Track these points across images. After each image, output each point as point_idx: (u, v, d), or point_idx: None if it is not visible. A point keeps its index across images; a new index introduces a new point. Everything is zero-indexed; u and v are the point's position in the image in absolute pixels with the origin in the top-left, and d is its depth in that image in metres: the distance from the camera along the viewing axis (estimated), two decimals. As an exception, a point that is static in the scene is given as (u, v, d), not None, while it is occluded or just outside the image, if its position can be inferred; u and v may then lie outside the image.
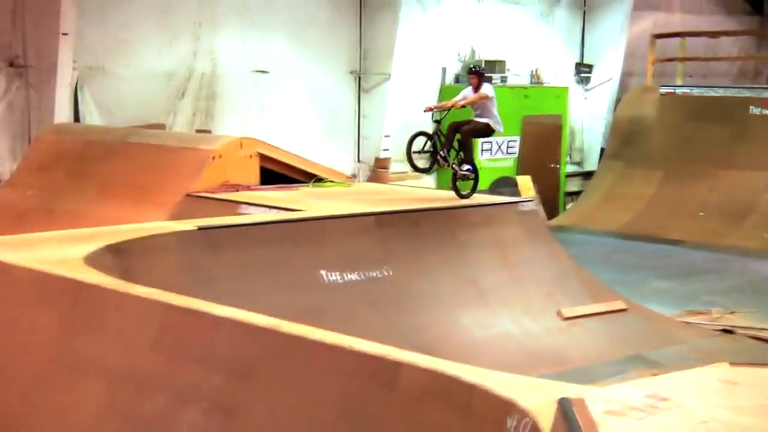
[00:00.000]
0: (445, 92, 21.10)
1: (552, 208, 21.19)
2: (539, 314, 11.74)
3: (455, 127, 11.89)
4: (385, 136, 20.12)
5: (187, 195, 12.72)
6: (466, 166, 12.04)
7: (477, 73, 12.25)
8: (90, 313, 7.91)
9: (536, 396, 4.74)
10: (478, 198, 14.16)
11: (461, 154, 12.00)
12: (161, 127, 17.03)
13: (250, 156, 13.99)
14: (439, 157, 11.82)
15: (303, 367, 6.45)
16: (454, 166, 11.96)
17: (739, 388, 4.97)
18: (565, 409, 4.24)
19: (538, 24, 23.45)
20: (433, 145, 11.80)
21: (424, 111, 12.95)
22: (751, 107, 20.84)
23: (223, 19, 17.98)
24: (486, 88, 12.01)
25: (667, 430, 4.24)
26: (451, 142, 11.86)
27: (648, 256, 17.64)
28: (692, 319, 13.37)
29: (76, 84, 16.17)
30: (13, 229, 11.43)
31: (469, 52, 21.96)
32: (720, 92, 21.95)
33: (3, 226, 12.40)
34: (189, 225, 10.64)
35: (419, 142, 11.88)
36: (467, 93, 12.13)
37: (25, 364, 8.00)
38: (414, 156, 11.80)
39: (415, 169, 12.13)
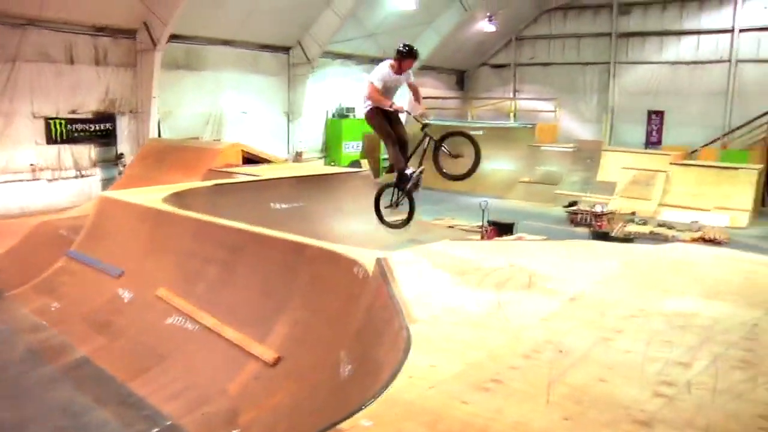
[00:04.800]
0: (330, 123, 24.11)
1: (376, 174, 19.71)
2: (370, 221, 11.38)
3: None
4: (299, 141, 22.84)
5: (209, 170, 13.33)
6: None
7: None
8: (164, 224, 8.73)
9: (366, 257, 5.55)
10: (343, 168, 17.17)
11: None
12: (197, 138, 19.01)
13: (238, 151, 14.94)
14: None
15: (263, 247, 7.21)
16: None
17: (455, 250, 6.11)
18: (379, 261, 4.99)
19: None
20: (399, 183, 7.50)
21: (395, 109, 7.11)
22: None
23: (225, 89, 20.30)
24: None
25: (421, 269, 5.33)
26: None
27: (420, 194, 15.49)
28: (437, 222, 15.45)
29: (159, 120, 18.17)
30: (132, 186, 11.91)
31: (338, 103, 24.20)
32: (448, 123, 23.24)
33: (128, 185, 12.78)
34: (210, 183, 11.47)
35: (387, 196, 7.94)
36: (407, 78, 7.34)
37: (134, 248, 8.77)
38: (384, 212, 7.81)
39: (387, 225, 7.87)
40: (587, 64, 27.39)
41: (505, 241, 9.07)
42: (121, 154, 17.76)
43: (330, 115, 24.34)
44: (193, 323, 7.01)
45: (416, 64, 7.45)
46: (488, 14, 25.20)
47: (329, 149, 24.26)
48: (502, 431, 2.96)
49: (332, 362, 5.22)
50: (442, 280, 5.11)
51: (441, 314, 4.36)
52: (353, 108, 24.43)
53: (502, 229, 13.31)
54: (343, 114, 24.08)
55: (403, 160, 7.47)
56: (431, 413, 3.09)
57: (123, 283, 8.29)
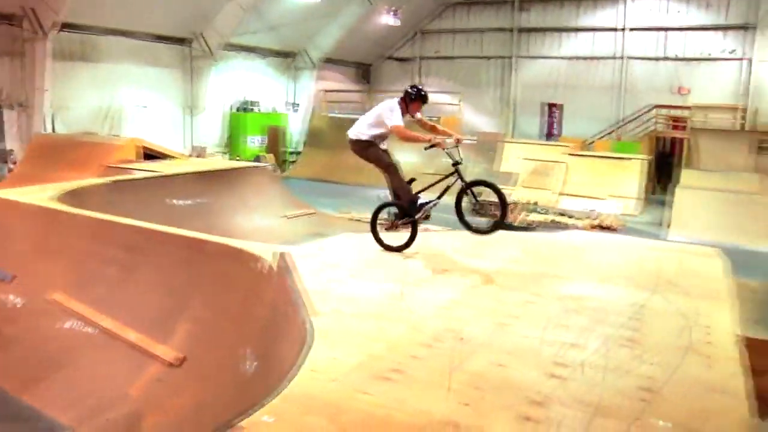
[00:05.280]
0: (232, 117, 23.67)
1: (281, 169, 21.61)
2: (275, 216, 12.60)
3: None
4: (204, 137, 22.35)
5: (107, 166, 12.70)
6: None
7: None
8: (58, 224, 8.32)
9: (269, 252, 5.51)
10: (247, 163, 17.19)
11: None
12: (94, 133, 18.02)
13: (137, 146, 14.46)
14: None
15: (163, 245, 7.07)
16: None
17: (356, 242, 6.57)
18: (281, 256, 4.99)
19: (275, 81, 25.50)
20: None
21: (427, 148, 6.28)
22: None
23: (123, 82, 19.64)
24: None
25: (323, 262, 5.57)
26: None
27: (324, 188, 20.09)
28: (341, 215, 14.89)
29: (52, 114, 17.36)
30: (21, 185, 10.94)
31: (241, 96, 23.93)
32: (352, 116, 21.65)
33: (17, 184, 11.73)
34: (107, 180, 11.00)
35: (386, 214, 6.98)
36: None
37: (26, 250, 8.23)
38: (381, 234, 6.71)
39: (385, 247, 6.55)
40: (490, 58, 27.96)
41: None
42: (11, 150, 16.87)
43: (233, 109, 24.01)
44: (91, 327, 6.70)
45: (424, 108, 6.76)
46: (392, 8, 25.23)
47: (232, 144, 23.84)
48: (403, 420, 3.01)
49: (237, 359, 5.14)
50: (343, 272, 5.13)
51: (343, 307, 4.41)
52: (257, 102, 24.28)
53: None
54: (246, 108, 23.74)
55: (410, 189, 6.67)
56: (333, 406, 3.11)
57: (14, 288, 7.83)
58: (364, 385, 3.29)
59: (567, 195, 18.74)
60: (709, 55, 23.73)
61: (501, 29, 27.45)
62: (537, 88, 26.62)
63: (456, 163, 6.29)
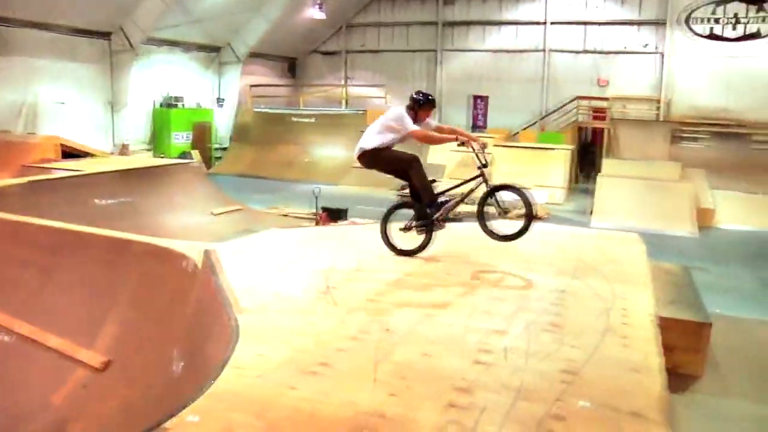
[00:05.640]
0: (156, 114, 23.13)
1: (207, 165, 21.25)
2: (202, 213, 12.62)
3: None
4: (127, 134, 21.66)
5: (23, 165, 12.53)
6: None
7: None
8: None
9: (195, 250, 5.44)
10: (172, 160, 16.77)
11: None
12: (7, 131, 17.38)
13: (56, 145, 14.15)
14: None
15: (85, 246, 6.89)
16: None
17: (283, 238, 6.49)
18: (207, 253, 4.84)
19: (200, 76, 25.15)
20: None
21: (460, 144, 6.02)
22: (292, 118, 24.83)
23: (39, 77, 19.04)
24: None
25: (250, 258, 5.49)
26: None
27: (253, 184, 20.14)
28: (271, 211, 15.12)
29: None
30: None
31: (166, 92, 23.39)
32: (279, 111, 25.67)
33: None
34: (24, 180, 10.75)
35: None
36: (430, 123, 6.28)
37: None
38: (391, 236, 6.11)
39: (396, 251, 6.03)
40: (416, 51, 28.15)
41: (337, 226, 9.17)
42: None
43: (157, 105, 23.47)
44: (8, 335, 6.46)
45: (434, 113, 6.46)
46: (318, 1, 25.13)
47: (157, 140, 23.29)
48: (330, 413, 3.02)
49: (164, 361, 5.03)
50: (270, 268, 5.13)
51: (269, 303, 4.41)
52: (182, 97, 23.80)
53: (334, 214, 13.38)
54: (171, 104, 23.24)
55: (432, 188, 6.27)
56: (259, 403, 3.10)
57: None
58: (291, 380, 3.26)
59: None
60: (626, 48, 24.61)
61: (426, 23, 27.71)
62: (463, 80, 26.96)
63: (482, 166, 5.95)
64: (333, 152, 23.16)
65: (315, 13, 25.38)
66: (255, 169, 22.80)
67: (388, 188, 19.27)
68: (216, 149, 25.25)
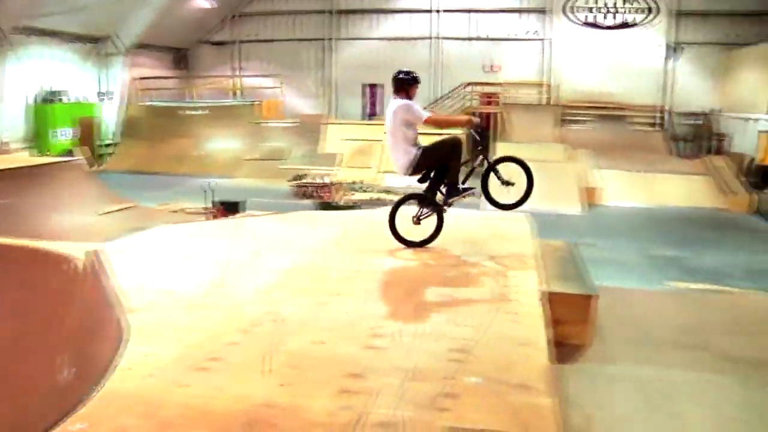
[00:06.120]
0: (36, 109, 21.87)
1: (93, 162, 20.32)
2: (91, 213, 11.94)
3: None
4: (4, 132, 20.55)
5: None
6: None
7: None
8: None
9: (80, 251, 4.96)
10: (54, 158, 15.99)
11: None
12: None
13: None
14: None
15: None
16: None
17: (174, 234, 6.27)
18: (92, 254, 4.65)
19: (82, 69, 23.80)
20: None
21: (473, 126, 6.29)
22: (184, 111, 24.53)
23: None
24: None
25: (138, 256, 5.29)
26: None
27: (145, 181, 19.64)
28: (162, 208, 14.68)
29: None
30: None
31: (46, 86, 22.20)
32: (170, 104, 25.18)
33: None
34: None
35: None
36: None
37: None
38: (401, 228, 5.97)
39: (406, 243, 5.90)
40: (309, 40, 27.98)
41: (231, 219, 9.04)
42: None
43: (37, 100, 22.29)
44: None
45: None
46: (205, -10, 24.57)
47: (39, 138, 22.08)
48: (222, 407, 3.00)
49: (51, 369, 4.80)
50: (159, 265, 5.01)
51: (159, 300, 4.31)
52: (65, 91, 22.77)
53: (229, 208, 13.30)
54: (52, 99, 22.13)
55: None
56: (150, 402, 3.04)
57: None
58: (182, 378, 3.22)
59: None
60: (515, 35, 25.51)
61: (318, 11, 27.59)
62: (357, 69, 27.06)
63: (481, 144, 6.30)
64: (227, 145, 22.93)
65: (203, 2, 24.74)
66: (147, 164, 22.17)
67: (283, 179, 19.48)
68: (106, 145, 24.37)
